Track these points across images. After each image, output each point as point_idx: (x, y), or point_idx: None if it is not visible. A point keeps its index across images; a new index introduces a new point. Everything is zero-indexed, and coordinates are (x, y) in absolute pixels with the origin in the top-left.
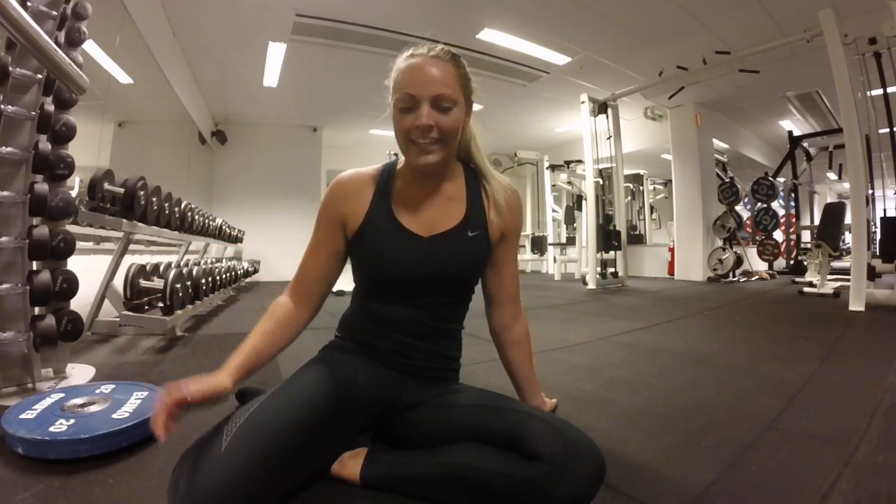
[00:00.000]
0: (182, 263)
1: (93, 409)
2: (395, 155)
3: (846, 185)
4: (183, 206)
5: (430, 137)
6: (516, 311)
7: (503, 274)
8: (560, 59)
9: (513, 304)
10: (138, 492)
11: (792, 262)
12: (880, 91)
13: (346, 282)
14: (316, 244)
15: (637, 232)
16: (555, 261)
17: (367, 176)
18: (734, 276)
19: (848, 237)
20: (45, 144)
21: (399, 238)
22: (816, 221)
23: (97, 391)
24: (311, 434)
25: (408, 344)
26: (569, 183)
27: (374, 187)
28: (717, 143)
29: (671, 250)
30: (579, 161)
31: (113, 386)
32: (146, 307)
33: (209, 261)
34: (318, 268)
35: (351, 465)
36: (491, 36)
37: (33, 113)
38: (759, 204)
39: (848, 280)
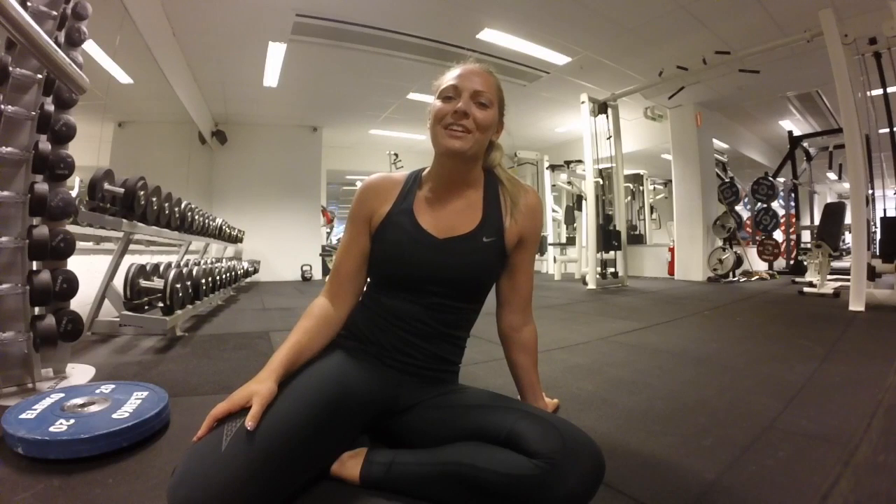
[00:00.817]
0: (182, 263)
1: (93, 409)
2: (396, 154)
3: (846, 185)
4: (183, 206)
5: (462, 124)
6: (526, 316)
7: (517, 279)
8: (560, 59)
9: (523, 309)
10: (138, 492)
11: (792, 262)
12: (880, 91)
13: None
14: (347, 243)
15: (637, 232)
16: (555, 261)
17: (395, 179)
18: (734, 276)
19: (848, 237)
20: (45, 144)
21: (414, 236)
22: (816, 221)
23: (97, 391)
24: (312, 436)
25: (408, 342)
26: (569, 183)
27: (401, 189)
28: (717, 143)
29: (671, 250)
30: (579, 161)
31: (113, 386)
32: (146, 307)
33: (209, 261)
34: (350, 265)
35: (350, 465)
36: (491, 36)
37: (33, 113)
38: (759, 204)
39: (848, 280)
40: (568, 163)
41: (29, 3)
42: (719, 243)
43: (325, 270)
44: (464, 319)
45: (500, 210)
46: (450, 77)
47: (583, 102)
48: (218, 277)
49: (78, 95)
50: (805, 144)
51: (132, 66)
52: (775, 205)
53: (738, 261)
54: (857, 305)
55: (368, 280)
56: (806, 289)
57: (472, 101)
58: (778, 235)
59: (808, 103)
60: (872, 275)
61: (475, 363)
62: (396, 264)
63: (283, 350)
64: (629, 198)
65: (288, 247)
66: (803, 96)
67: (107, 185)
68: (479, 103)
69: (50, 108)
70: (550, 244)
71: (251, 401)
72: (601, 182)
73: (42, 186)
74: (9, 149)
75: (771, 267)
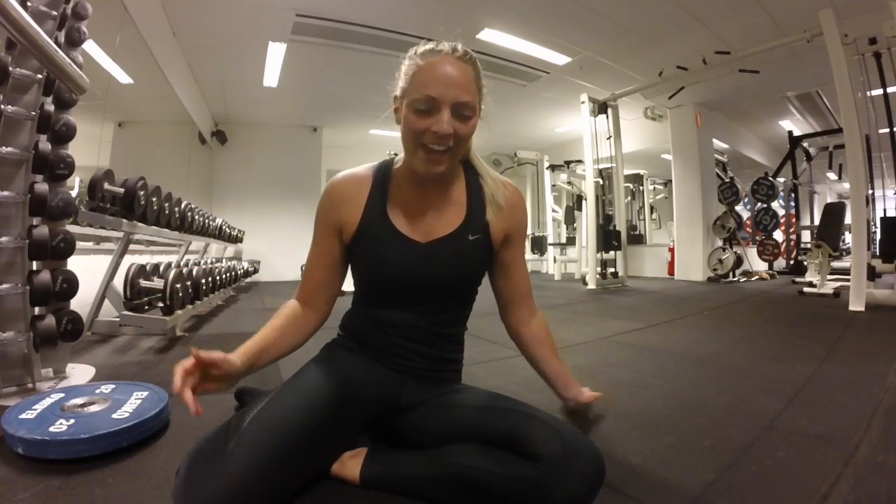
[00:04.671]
0: (182, 263)
1: (93, 409)
2: (395, 154)
3: (846, 185)
4: (183, 206)
5: (445, 145)
6: (531, 309)
7: (514, 276)
8: (560, 59)
9: (527, 303)
10: (138, 492)
11: (792, 262)
12: (880, 91)
13: (347, 282)
14: (317, 253)
15: (637, 232)
16: (555, 261)
17: (361, 177)
18: (734, 276)
19: (848, 237)
20: (45, 144)
21: (395, 244)
22: (816, 221)
23: (97, 391)
24: (315, 434)
25: (407, 348)
26: (569, 183)
27: (370, 190)
28: (717, 143)
29: (671, 250)
30: (579, 161)
31: (113, 386)
32: (146, 307)
33: (209, 261)
34: (319, 275)
35: (351, 465)
36: (491, 36)
37: (33, 113)
38: (759, 204)
39: (848, 280)
40: (568, 163)
41: (29, 3)
42: (719, 243)
43: None
44: (459, 315)
45: (483, 206)
46: (422, 79)
47: (583, 102)
48: (218, 277)
49: (78, 95)
50: (805, 144)
51: (132, 66)
52: (775, 205)
53: (738, 261)
54: (857, 305)
55: (355, 292)
56: (806, 289)
57: (455, 114)
58: (778, 235)
59: (808, 103)
60: (872, 275)
61: (475, 363)
62: (382, 277)
63: (251, 341)
64: (629, 198)
65: (288, 247)
66: (803, 96)
67: (107, 185)
68: (462, 115)
69: (50, 108)
70: (550, 244)
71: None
72: (601, 182)
73: (42, 186)
74: (9, 149)
75: (771, 267)
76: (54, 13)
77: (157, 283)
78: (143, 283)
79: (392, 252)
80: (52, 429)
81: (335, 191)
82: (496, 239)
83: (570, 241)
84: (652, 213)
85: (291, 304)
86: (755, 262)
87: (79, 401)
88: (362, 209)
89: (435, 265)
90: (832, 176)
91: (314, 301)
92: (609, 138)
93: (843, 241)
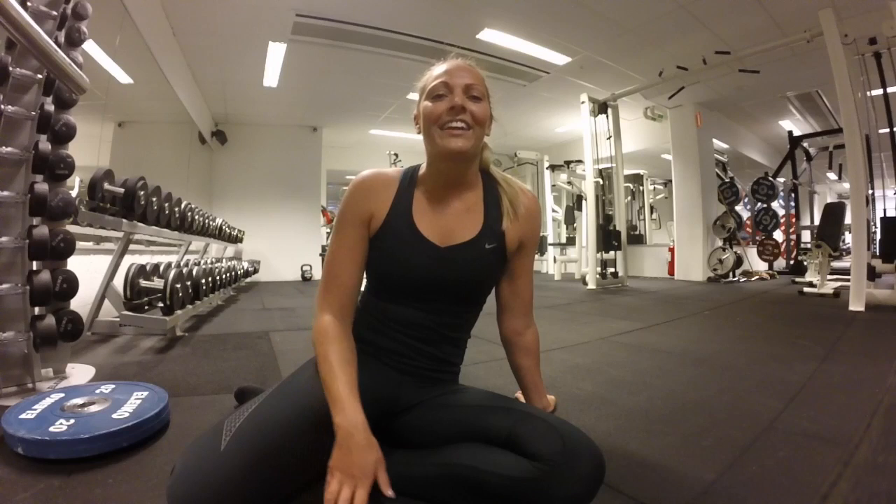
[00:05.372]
0: (182, 263)
1: (93, 409)
2: (396, 155)
3: (846, 185)
4: (183, 206)
5: (461, 120)
6: (529, 320)
7: (519, 284)
8: (560, 59)
9: (526, 313)
10: (138, 492)
11: (792, 262)
12: (880, 91)
13: None
14: (344, 251)
15: (637, 232)
16: (555, 261)
17: (389, 176)
18: (734, 276)
19: (848, 237)
20: (45, 144)
21: (414, 244)
22: (816, 221)
23: (97, 391)
24: (310, 434)
25: (409, 345)
26: (569, 183)
27: (397, 189)
28: (717, 143)
29: (671, 250)
30: (579, 161)
31: (113, 386)
32: (146, 307)
33: (209, 261)
34: (350, 276)
35: None
36: (491, 36)
37: (33, 113)
38: (759, 204)
39: (848, 280)
40: (568, 163)
41: (29, 3)
42: (719, 243)
43: None
44: (465, 321)
45: (500, 214)
46: (436, 74)
47: (583, 102)
48: (218, 277)
49: (78, 95)
50: (805, 144)
51: (132, 66)
52: (775, 205)
53: (738, 261)
54: (857, 305)
55: (366, 284)
56: (806, 289)
57: (466, 95)
58: (778, 235)
59: (808, 103)
60: (872, 275)
61: (476, 363)
62: (396, 274)
63: (349, 391)
64: (629, 198)
65: (288, 247)
66: (803, 96)
67: (107, 185)
68: (472, 97)
69: (50, 108)
70: (550, 244)
71: (377, 471)
72: (601, 182)
73: (42, 186)
74: (9, 149)
75: (771, 267)
76: (54, 13)
77: (157, 283)
78: (143, 283)
79: (410, 252)
80: (52, 429)
81: (366, 183)
82: (511, 248)
83: (570, 241)
84: (652, 213)
85: (331, 324)
86: (755, 262)
87: (79, 401)
88: (389, 205)
89: (449, 269)
90: (832, 176)
91: (346, 308)
92: (609, 138)
93: (843, 241)
